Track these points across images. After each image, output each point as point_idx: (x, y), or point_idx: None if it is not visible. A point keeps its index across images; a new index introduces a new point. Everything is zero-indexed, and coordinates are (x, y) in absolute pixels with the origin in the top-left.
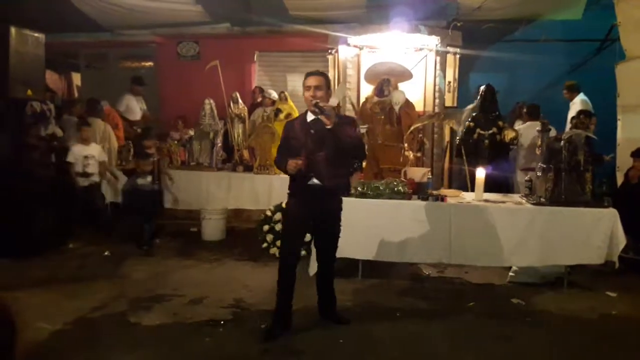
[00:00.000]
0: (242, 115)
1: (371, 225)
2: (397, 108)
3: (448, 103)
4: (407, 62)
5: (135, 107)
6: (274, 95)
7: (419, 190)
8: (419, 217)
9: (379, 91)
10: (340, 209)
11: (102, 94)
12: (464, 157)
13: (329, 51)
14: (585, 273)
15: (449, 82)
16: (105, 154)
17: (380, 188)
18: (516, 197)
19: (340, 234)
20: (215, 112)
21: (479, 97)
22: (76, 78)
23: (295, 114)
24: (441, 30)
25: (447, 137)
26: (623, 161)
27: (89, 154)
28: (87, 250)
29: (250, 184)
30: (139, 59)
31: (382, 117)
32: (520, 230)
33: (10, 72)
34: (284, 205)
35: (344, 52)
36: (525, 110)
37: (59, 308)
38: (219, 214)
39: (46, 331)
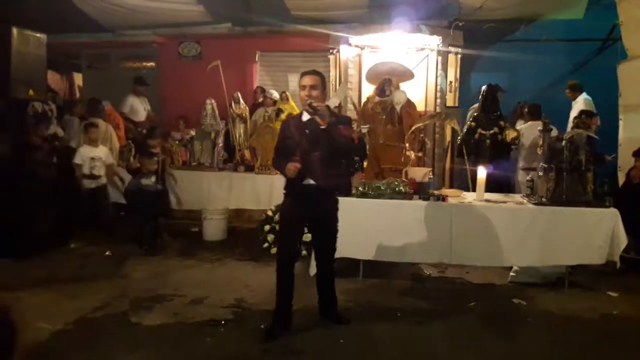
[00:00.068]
0: (244, 115)
1: (372, 225)
2: (398, 108)
3: (449, 103)
4: (408, 62)
5: (139, 108)
6: (276, 95)
7: (420, 190)
8: (420, 217)
9: (381, 91)
10: (337, 209)
11: (103, 94)
12: (465, 157)
13: (331, 51)
14: (587, 273)
15: (451, 82)
16: (112, 157)
17: (382, 188)
18: (517, 197)
19: (342, 234)
20: (217, 112)
21: (480, 97)
22: (78, 78)
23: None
24: (442, 30)
25: (448, 137)
26: (624, 161)
27: (96, 156)
28: (88, 250)
29: (251, 184)
30: (140, 59)
31: (384, 117)
32: (521, 230)
33: (12, 73)
34: None
35: (346, 52)
36: (526, 110)
37: (60, 308)
38: (220, 214)
39: (47, 331)
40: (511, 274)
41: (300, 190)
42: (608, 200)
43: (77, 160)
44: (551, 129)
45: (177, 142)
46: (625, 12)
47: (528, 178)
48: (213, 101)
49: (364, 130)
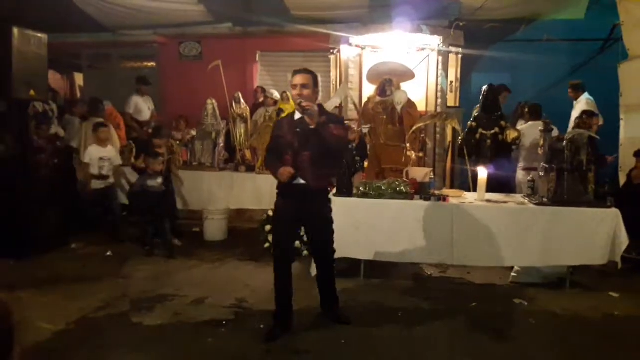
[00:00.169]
0: (244, 115)
1: (373, 225)
2: (399, 108)
3: (450, 103)
4: (409, 62)
5: (143, 107)
6: (276, 95)
7: (421, 191)
8: (421, 217)
9: (381, 91)
10: (329, 209)
11: (104, 94)
12: (466, 157)
13: (331, 51)
14: (588, 273)
15: (451, 82)
16: (119, 157)
17: (383, 188)
18: (518, 197)
19: (343, 234)
20: (218, 112)
21: (480, 97)
22: (78, 78)
23: None
24: (443, 30)
25: (449, 137)
26: (626, 161)
27: (105, 156)
28: (89, 250)
29: (252, 184)
30: (141, 59)
31: (384, 117)
32: (522, 231)
33: (13, 73)
34: None
35: (346, 52)
36: (527, 110)
37: (62, 308)
38: (221, 214)
39: (49, 331)
40: (512, 274)
41: (292, 190)
42: (609, 200)
43: (86, 159)
44: (552, 129)
45: (178, 142)
46: (626, 12)
47: (529, 178)
48: (214, 101)
49: (365, 131)
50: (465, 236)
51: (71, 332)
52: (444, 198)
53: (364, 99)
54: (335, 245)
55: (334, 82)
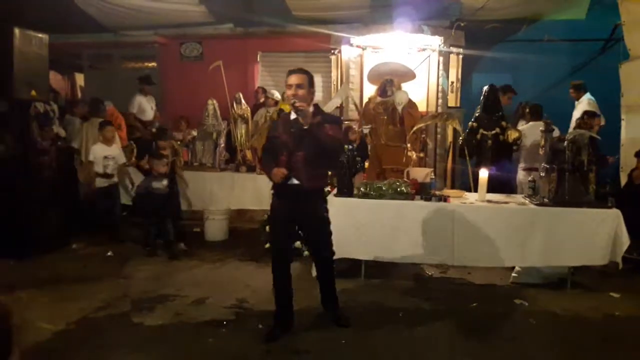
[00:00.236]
0: (245, 115)
1: (374, 225)
2: (400, 108)
3: (451, 103)
4: (410, 62)
5: (147, 107)
6: (277, 95)
7: (421, 191)
8: (421, 217)
9: (382, 91)
10: (325, 209)
11: (105, 94)
12: (467, 158)
13: (332, 51)
14: (589, 274)
15: (452, 82)
16: (124, 156)
17: (383, 188)
18: (519, 197)
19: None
20: (218, 112)
21: (481, 98)
22: (79, 79)
23: None
24: (444, 31)
25: (449, 138)
26: (627, 161)
27: (110, 155)
28: (90, 250)
29: (252, 184)
30: (142, 60)
31: (385, 117)
32: (523, 231)
33: (14, 73)
34: None
35: (347, 53)
36: (527, 110)
37: (62, 308)
38: (221, 214)
39: (49, 331)
40: (513, 274)
41: (286, 190)
42: (610, 200)
43: (90, 158)
44: (553, 130)
45: (178, 142)
46: (627, 12)
47: (530, 178)
48: (215, 101)
49: (366, 131)
50: (466, 236)
51: (72, 332)
52: (444, 198)
53: (365, 99)
54: (335, 246)
55: (335, 83)
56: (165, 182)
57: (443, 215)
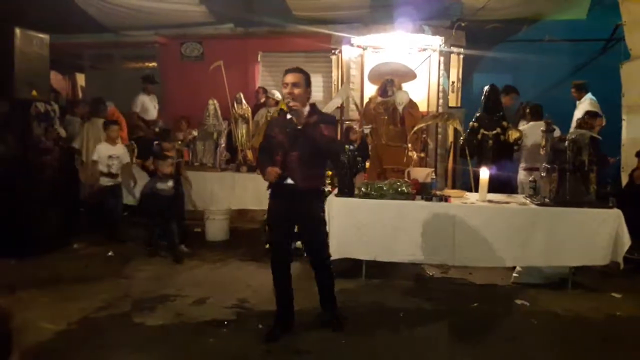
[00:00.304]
0: (246, 115)
1: (374, 225)
2: (400, 108)
3: (452, 103)
4: (410, 62)
5: (150, 106)
6: (278, 95)
7: (422, 191)
8: (422, 217)
9: (383, 91)
10: (320, 209)
11: (106, 94)
12: (468, 158)
13: (333, 51)
14: (590, 274)
15: (453, 82)
16: (128, 155)
17: (384, 188)
18: (520, 197)
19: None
20: (219, 112)
21: (482, 98)
22: (80, 79)
23: None
24: (445, 31)
25: (450, 138)
26: (628, 161)
27: (114, 154)
28: (91, 250)
29: (253, 184)
30: (142, 60)
31: (386, 117)
32: (524, 231)
33: (15, 73)
34: None
35: (348, 53)
36: (528, 110)
37: (63, 308)
38: (222, 214)
39: (50, 331)
40: (514, 274)
41: (282, 190)
42: (611, 201)
43: (94, 157)
44: (554, 130)
45: (179, 142)
46: (628, 12)
47: (531, 178)
48: (215, 102)
49: (367, 131)
50: (467, 237)
51: (73, 332)
52: (445, 198)
53: (366, 100)
54: (336, 245)
55: (335, 83)
56: (170, 183)
57: (444, 216)
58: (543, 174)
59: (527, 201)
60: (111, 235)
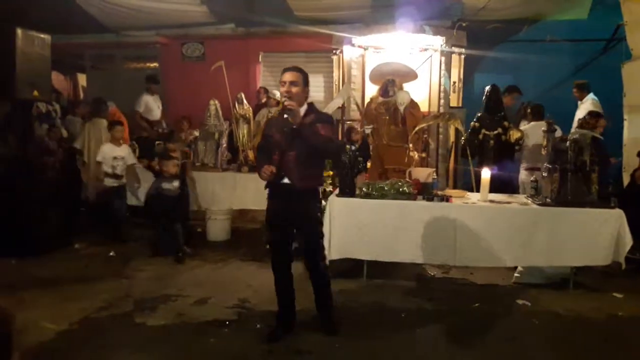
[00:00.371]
0: (247, 115)
1: (376, 225)
2: (402, 108)
3: (453, 103)
4: (412, 62)
5: (153, 107)
6: (279, 95)
7: (424, 191)
8: (423, 217)
9: (384, 91)
10: (317, 209)
11: (107, 94)
12: (469, 158)
13: (334, 51)
14: (591, 274)
15: (454, 82)
16: (133, 157)
17: (385, 188)
18: (522, 197)
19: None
20: (220, 112)
21: (483, 98)
22: (82, 79)
23: None
24: (446, 31)
25: (452, 138)
26: (629, 162)
27: (118, 155)
28: (92, 250)
29: (254, 184)
30: (144, 60)
31: (387, 117)
32: (525, 231)
33: (17, 73)
34: None
35: (349, 53)
36: (529, 110)
37: (64, 308)
38: (223, 214)
39: (51, 331)
40: (515, 274)
41: (278, 190)
42: (613, 201)
43: (99, 158)
44: (555, 130)
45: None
46: (629, 12)
47: (532, 178)
48: (217, 102)
49: (368, 131)
50: (468, 237)
51: (74, 332)
52: (446, 198)
53: (367, 100)
54: (337, 245)
55: (336, 83)
56: (176, 183)
57: (445, 216)
58: (544, 174)
59: (529, 201)
60: (115, 236)
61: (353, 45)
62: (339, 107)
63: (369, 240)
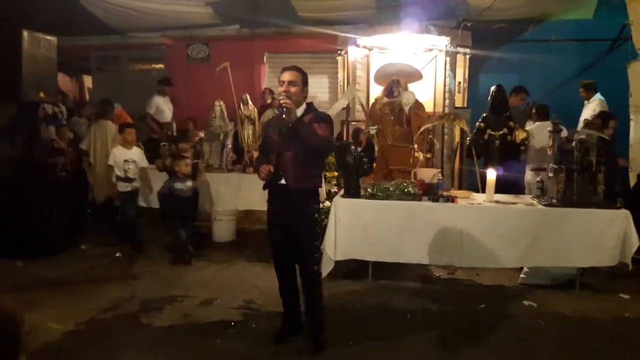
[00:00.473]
0: (252, 116)
1: (381, 226)
2: (406, 109)
3: (458, 103)
4: (416, 62)
5: (164, 109)
6: None
7: (429, 192)
8: (429, 218)
9: (389, 92)
10: (314, 210)
11: (113, 96)
12: (475, 158)
13: (338, 52)
14: (598, 275)
15: (459, 83)
16: (145, 159)
17: (390, 189)
18: (527, 198)
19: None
20: (225, 113)
21: (489, 98)
22: (87, 80)
23: None
24: (451, 31)
25: (457, 138)
26: (636, 162)
27: (130, 158)
28: (98, 251)
29: (259, 185)
30: (149, 61)
31: (392, 118)
32: (531, 232)
33: (23, 75)
34: None
35: (354, 53)
36: (534, 110)
37: (71, 309)
38: (229, 215)
39: (58, 332)
40: (521, 275)
41: (276, 190)
42: (619, 201)
43: (110, 162)
44: (561, 130)
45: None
46: (635, 12)
47: (538, 179)
48: (222, 103)
49: (373, 132)
50: (474, 237)
51: (80, 333)
52: (452, 199)
53: (372, 100)
54: (343, 246)
55: (341, 84)
56: (189, 183)
57: (451, 216)
58: (550, 175)
59: (535, 202)
60: (133, 244)
61: (358, 45)
62: (344, 108)
63: (374, 241)
